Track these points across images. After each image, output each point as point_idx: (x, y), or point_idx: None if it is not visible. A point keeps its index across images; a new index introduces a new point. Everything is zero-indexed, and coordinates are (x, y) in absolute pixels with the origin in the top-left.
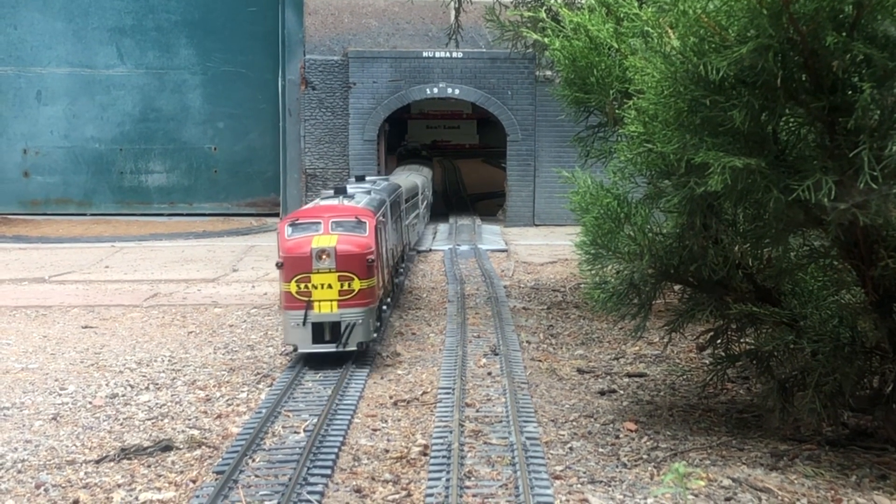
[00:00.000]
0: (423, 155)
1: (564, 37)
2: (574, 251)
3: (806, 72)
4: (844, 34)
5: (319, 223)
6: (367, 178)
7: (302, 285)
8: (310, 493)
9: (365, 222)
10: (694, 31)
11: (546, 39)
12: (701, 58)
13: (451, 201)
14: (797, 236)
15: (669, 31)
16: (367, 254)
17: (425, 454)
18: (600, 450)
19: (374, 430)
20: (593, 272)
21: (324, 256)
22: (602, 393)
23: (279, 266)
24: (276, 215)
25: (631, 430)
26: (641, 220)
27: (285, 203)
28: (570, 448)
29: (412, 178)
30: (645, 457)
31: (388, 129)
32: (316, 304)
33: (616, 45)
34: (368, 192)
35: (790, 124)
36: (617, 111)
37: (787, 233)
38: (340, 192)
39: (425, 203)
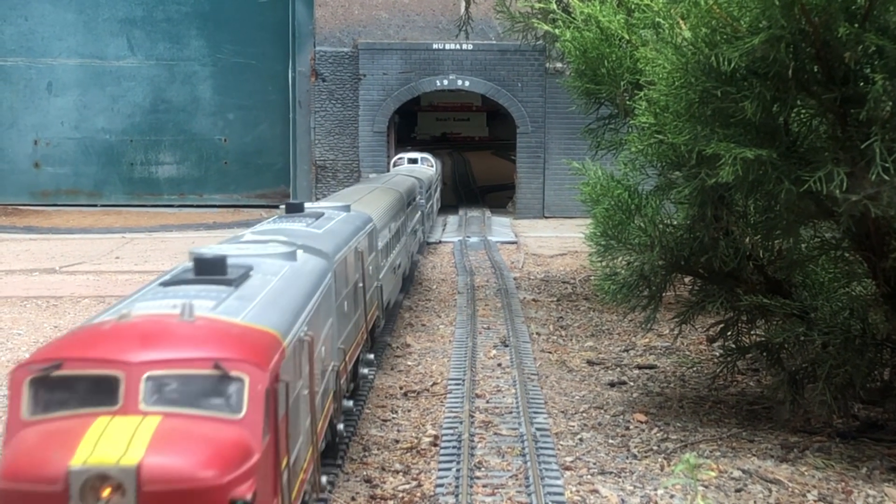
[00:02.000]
0: (417, 160)
1: (575, 28)
2: (584, 243)
3: (818, 63)
4: (857, 25)
5: (116, 381)
6: (309, 210)
7: None
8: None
9: (241, 381)
10: (706, 22)
11: (557, 30)
12: (712, 49)
13: (461, 193)
14: (808, 228)
15: (681, 21)
16: (230, 483)
17: (435, 444)
18: (610, 441)
19: (385, 420)
20: (604, 263)
21: (106, 495)
22: (612, 384)
23: None
24: None
25: (641, 422)
26: (652, 212)
27: (295, 195)
28: (581, 439)
29: (401, 182)
30: (655, 448)
31: (398, 120)
32: None
33: (627, 36)
34: (289, 257)
35: (802, 115)
36: (628, 102)
37: (799, 224)
38: (209, 269)
39: (418, 215)
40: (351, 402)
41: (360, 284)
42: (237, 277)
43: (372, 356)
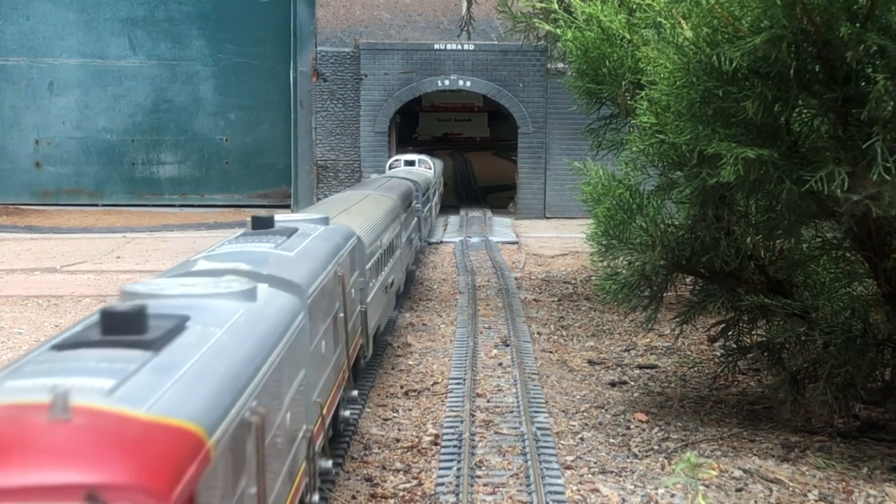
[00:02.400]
0: (414, 162)
1: (577, 28)
2: (585, 243)
3: (819, 63)
4: (858, 25)
5: None
6: (280, 226)
7: None
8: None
9: None
10: (707, 22)
11: (558, 30)
12: (714, 48)
13: (462, 194)
14: (809, 228)
15: (682, 21)
16: None
17: (436, 444)
18: (611, 440)
19: (385, 419)
20: (605, 263)
21: None
22: (613, 384)
23: None
24: (288, 206)
25: (642, 421)
26: (653, 211)
27: (296, 195)
28: (581, 438)
29: (395, 186)
30: (656, 447)
31: (400, 121)
32: None
33: (628, 36)
34: (247, 296)
35: (803, 115)
36: (629, 102)
37: (800, 224)
38: (120, 325)
39: (414, 222)
40: (329, 462)
41: (341, 314)
42: (160, 336)
43: (356, 393)
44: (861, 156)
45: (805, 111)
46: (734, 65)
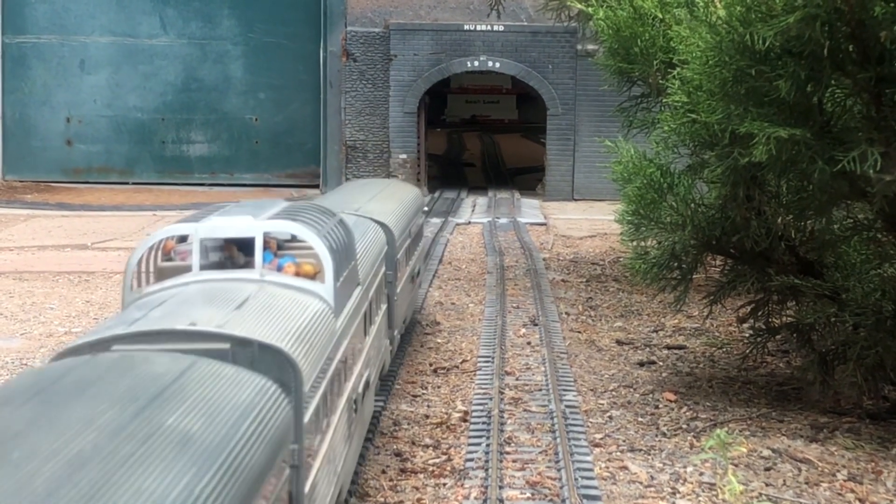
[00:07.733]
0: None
1: (608, 6)
2: (614, 224)
3: (853, 42)
4: (892, 4)
5: None
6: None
7: None
8: None
9: None
10: (740, 1)
11: (590, 9)
12: (747, 27)
13: (490, 175)
14: (841, 208)
15: (715, 0)
16: None
17: (465, 420)
18: (640, 419)
19: (415, 396)
20: (635, 243)
21: None
22: (641, 364)
23: None
24: (316, 186)
25: (670, 401)
26: (684, 191)
27: (325, 174)
28: (610, 417)
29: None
30: (684, 426)
31: (429, 102)
32: None
33: (661, 15)
34: None
35: (836, 95)
36: (660, 81)
37: (831, 205)
38: None
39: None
40: None
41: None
42: None
43: None
44: (894, 136)
45: (838, 91)
46: (767, 44)
